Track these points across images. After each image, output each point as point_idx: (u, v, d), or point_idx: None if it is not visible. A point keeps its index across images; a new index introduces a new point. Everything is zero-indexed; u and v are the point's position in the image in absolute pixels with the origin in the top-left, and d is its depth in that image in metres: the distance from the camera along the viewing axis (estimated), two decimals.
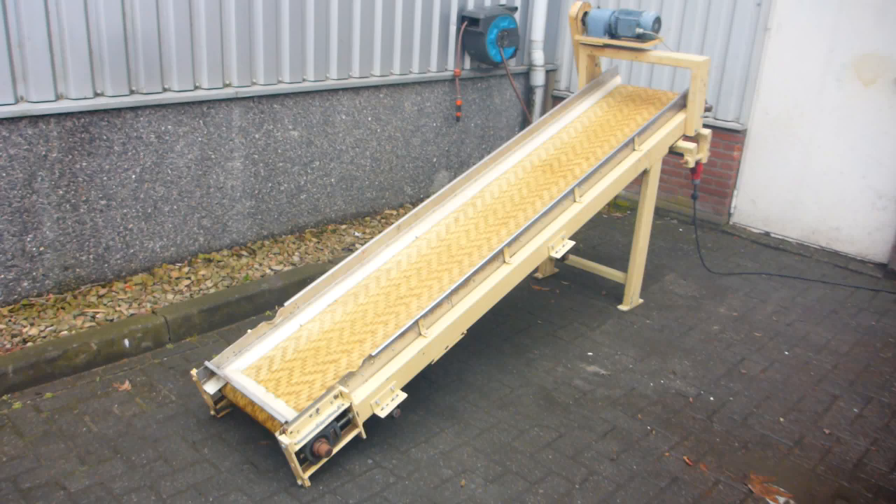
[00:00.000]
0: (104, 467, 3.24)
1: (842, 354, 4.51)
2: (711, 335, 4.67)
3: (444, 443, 3.51)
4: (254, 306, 4.64)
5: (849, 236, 5.89)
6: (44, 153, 4.18)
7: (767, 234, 6.33)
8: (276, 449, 3.34)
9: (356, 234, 5.71)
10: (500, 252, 3.84)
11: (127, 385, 3.85)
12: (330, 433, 3.17)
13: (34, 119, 4.10)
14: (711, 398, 4.00)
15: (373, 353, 3.30)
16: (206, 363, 3.52)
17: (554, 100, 7.32)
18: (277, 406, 3.28)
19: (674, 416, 3.82)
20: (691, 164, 4.79)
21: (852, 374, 4.29)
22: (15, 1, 3.90)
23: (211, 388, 3.53)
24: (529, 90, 7.06)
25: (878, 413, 3.93)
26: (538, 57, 6.93)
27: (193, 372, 3.51)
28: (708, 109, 4.82)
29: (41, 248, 4.30)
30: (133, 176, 4.58)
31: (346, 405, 3.20)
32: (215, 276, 4.80)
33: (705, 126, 4.84)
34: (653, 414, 3.83)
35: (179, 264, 4.92)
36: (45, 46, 4.05)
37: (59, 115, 4.19)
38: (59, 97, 4.19)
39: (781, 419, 3.84)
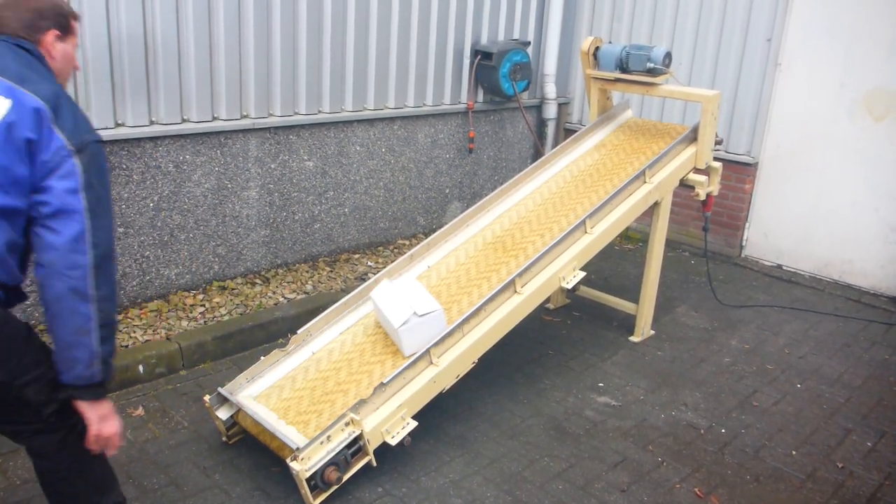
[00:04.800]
0: None
1: (855, 388, 4.49)
2: (723, 367, 4.67)
3: (454, 472, 3.52)
4: (267, 334, 4.68)
5: (861, 269, 5.88)
6: None
7: (779, 266, 6.33)
8: (287, 476, 3.35)
9: (369, 263, 5.76)
10: (512, 282, 3.87)
11: (140, 410, 3.88)
12: (341, 460, 3.18)
13: None
14: (723, 430, 3.98)
15: (384, 381, 3.33)
16: (219, 389, 3.56)
17: (566, 132, 7.38)
18: (289, 433, 3.30)
19: (685, 447, 3.81)
20: (702, 197, 4.82)
21: (865, 408, 4.27)
22: None
23: (223, 414, 3.55)
24: (542, 123, 7.14)
25: (891, 447, 3.90)
26: (550, 90, 7.02)
27: (206, 398, 3.55)
28: (719, 143, 4.86)
29: None
30: (151, 204, 4.66)
31: (357, 432, 3.22)
32: (229, 304, 4.85)
33: (716, 159, 4.88)
34: (664, 445, 3.82)
35: (194, 291, 4.97)
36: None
37: None
38: None
39: (794, 452, 3.82)
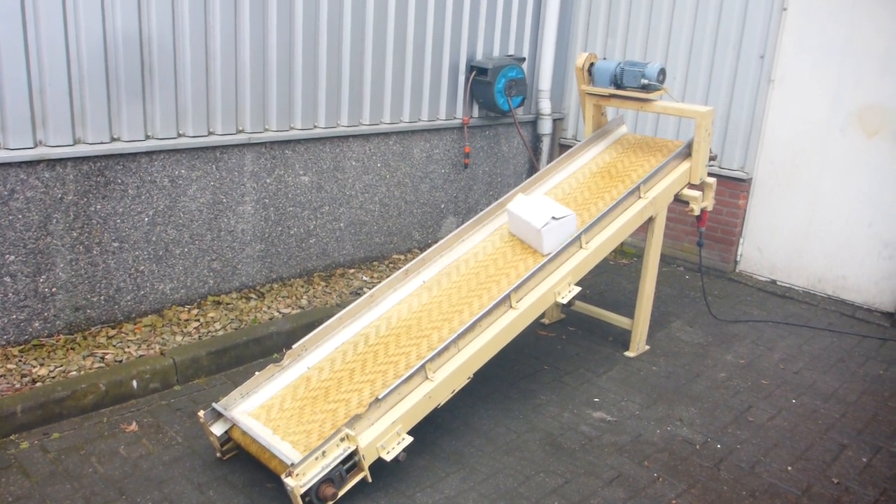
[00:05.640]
0: None
1: (850, 403, 4.49)
2: (718, 382, 4.67)
3: (449, 488, 3.50)
4: (262, 349, 4.67)
5: (855, 285, 5.90)
6: (60, 196, 4.27)
7: (774, 281, 6.35)
8: (282, 492, 3.34)
9: (364, 278, 5.75)
10: (507, 297, 3.87)
11: (134, 426, 3.86)
12: (336, 476, 3.17)
13: (52, 163, 4.20)
14: (718, 446, 3.98)
15: (379, 396, 3.32)
16: (214, 405, 3.54)
17: (561, 148, 7.42)
18: (284, 448, 3.29)
19: (681, 463, 3.81)
20: (697, 212, 4.84)
21: (860, 424, 4.27)
22: (38, 48, 4.03)
23: (218, 429, 3.54)
24: (537, 138, 7.17)
25: (887, 463, 3.90)
26: (545, 106, 7.05)
27: (201, 413, 3.53)
28: (713, 158, 4.89)
29: (53, 289, 4.36)
30: (146, 219, 4.65)
31: (353, 448, 3.21)
32: (224, 319, 4.84)
33: (711, 175, 4.90)
34: (659, 461, 3.81)
35: (189, 306, 4.96)
36: (66, 92, 4.16)
37: (76, 158, 4.28)
38: (76, 141, 4.28)
39: (789, 468, 3.81)
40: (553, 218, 4.17)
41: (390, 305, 4.18)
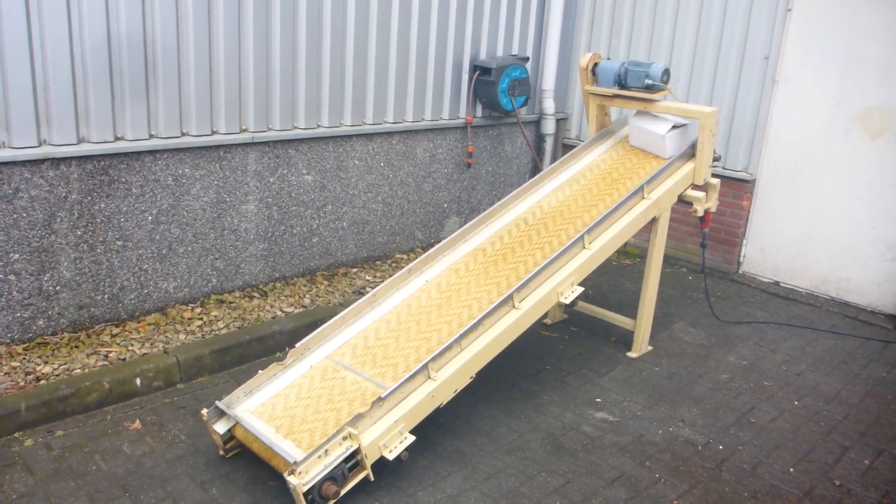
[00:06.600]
0: None
1: (852, 405, 4.49)
2: (720, 383, 4.66)
3: (451, 487, 3.51)
4: (265, 347, 4.68)
5: (859, 287, 5.89)
6: (64, 195, 4.28)
7: (777, 283, 6.34)
8: (284, 490, 3.34)
9: (367, 277, 5.76)
10: (510, 297, 3.87)
11: (137, 424, 3.87)
12: (338, 475, 3.17)
13: (56, 161, 4.21)
14: (720, 447, 3.98)
15: (382, 395, 3.32)
16: (217, 403, 3.55)
17: (564, 148, 7.42)
18: (286, 447, 3.30)
19: (682, 464, 3.81)
20: (700, 213, 4.84)
21: (863, 426, 4.27)
22: (42, 47, 4.04)
23: (221, 427, 3.55)
24: (540, 138, 7.17)
25: (889, 465, 3.90)
26: (549, 106, 7.05)
27: (204, 412, 3.54)
28: (717, 159, 4.89)
29: (57, 288, 4.37)
30: (150, 217, 4.66)
31: (355, 447, 3.21)
32: (227, 317, 4.85)
33: (714, 175, 4.90)
34: (661, 461, 3.81)
35: (192, 305, 4.97)
36: (70, 91, 4.17)
37: (81, 157, 4.29)
38: (80, 140, 4.29)
39: (791, 469, 3.81)
40: (674, 126, 4.69)
41: (393, 305, 4.18)
